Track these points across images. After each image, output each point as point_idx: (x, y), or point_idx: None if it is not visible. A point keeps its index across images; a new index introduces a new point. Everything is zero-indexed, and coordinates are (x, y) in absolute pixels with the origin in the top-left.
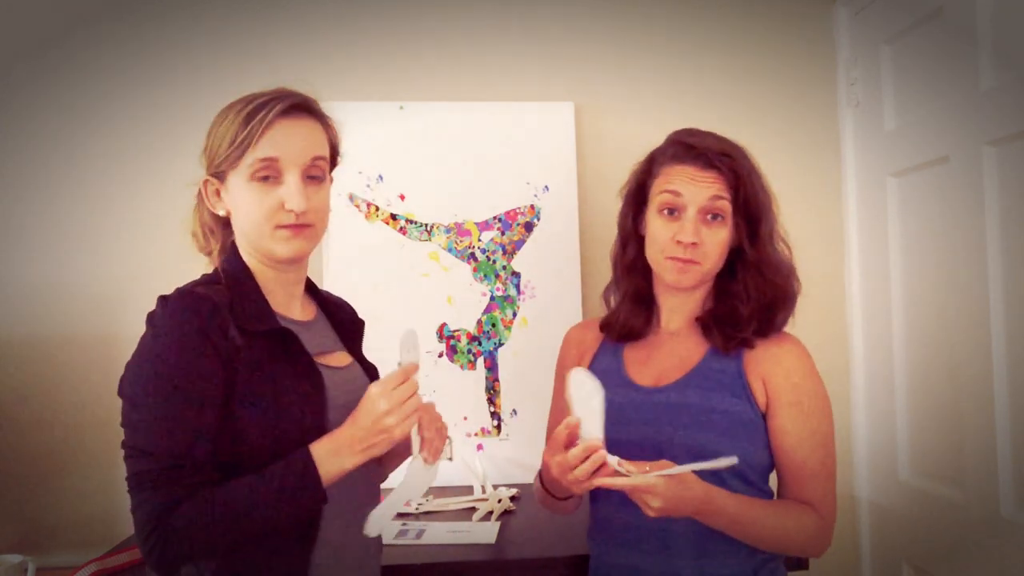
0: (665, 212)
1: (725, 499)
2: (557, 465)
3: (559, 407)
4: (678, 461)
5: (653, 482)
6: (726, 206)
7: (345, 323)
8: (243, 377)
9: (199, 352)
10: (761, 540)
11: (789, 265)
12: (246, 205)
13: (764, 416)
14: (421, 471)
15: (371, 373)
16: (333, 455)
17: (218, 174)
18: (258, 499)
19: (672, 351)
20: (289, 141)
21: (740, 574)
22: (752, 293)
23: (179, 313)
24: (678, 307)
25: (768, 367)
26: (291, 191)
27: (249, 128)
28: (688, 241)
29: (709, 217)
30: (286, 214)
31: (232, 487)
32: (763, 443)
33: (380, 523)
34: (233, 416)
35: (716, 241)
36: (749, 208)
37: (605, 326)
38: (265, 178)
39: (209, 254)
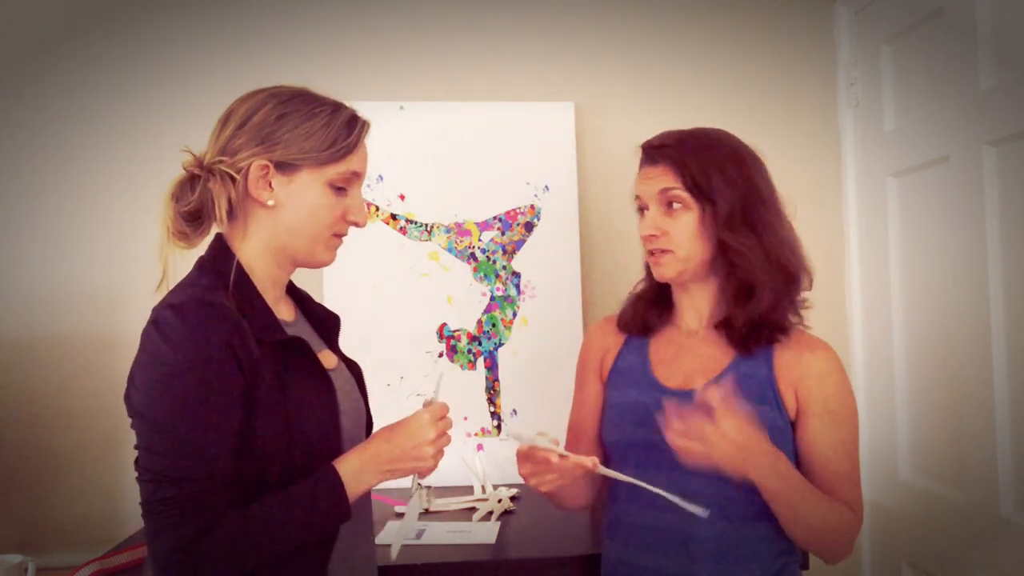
0: (639, 215)
1: (790, 468)
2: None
3: (580, 403)
4: None
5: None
6: (680, 194)
7: (322, 319)
8: (263, 390)
9: (225, 366)
10: (806, 525)
11: (763, 254)
12: (315, 208)
13: (792, 422)
14: (418, 504)
15: (355, 372)
16: (359, 472)
17: (285, 164)
18: (288, 521)
19: (699, 353)
20: (366, 159)
21: None
22: (727, 282)
23: (201, 324)
24: (691, 305)
25: (799, 374)
26: (358, 205)
27: (351, 137)
28: (646, 234)
29: (667, 207)
30: (344, 224)
31: (262, 509)
32: (788, 449)
33: (397, 549)
34: (251, 431)
35: (680, 227)
36: (703, 192)
37: (620, 323)
38: (342, 188)
39: (193, 243)
